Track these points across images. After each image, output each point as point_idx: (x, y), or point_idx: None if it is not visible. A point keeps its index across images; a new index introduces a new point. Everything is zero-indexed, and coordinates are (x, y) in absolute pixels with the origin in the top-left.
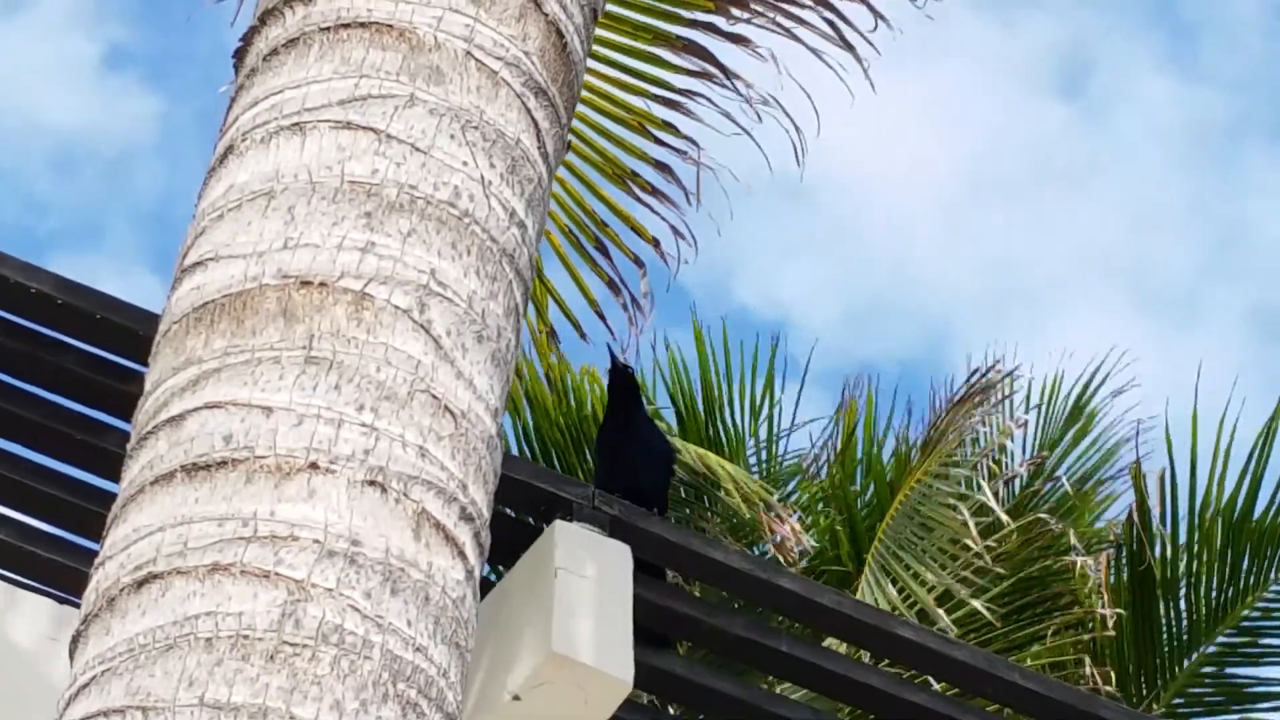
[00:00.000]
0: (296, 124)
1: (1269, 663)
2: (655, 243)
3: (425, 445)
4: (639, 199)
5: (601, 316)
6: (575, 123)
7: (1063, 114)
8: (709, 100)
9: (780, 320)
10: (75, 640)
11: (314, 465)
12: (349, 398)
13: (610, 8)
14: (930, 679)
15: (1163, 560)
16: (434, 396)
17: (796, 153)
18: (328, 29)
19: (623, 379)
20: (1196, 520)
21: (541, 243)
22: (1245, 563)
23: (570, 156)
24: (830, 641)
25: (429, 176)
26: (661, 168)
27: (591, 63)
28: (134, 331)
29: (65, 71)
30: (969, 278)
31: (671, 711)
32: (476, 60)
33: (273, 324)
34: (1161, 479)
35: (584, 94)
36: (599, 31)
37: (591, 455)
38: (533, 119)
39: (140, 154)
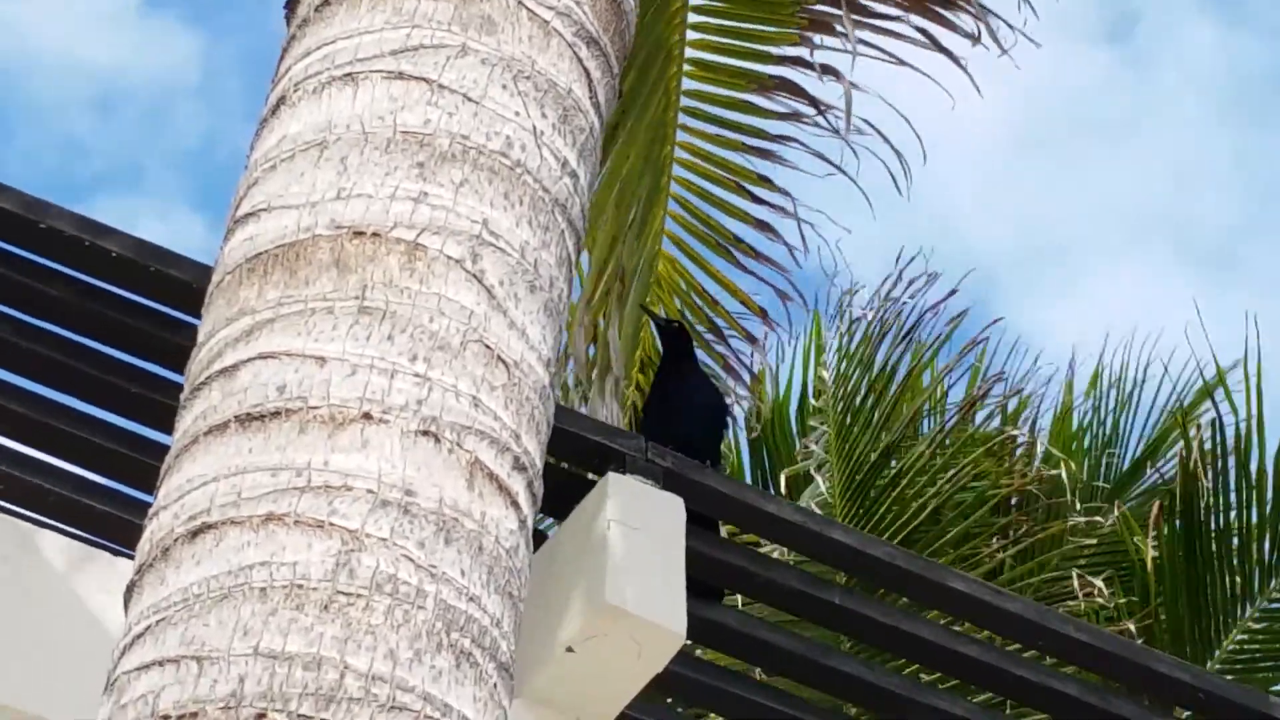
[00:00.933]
0: (349, 74)
1: None
2: (763, 313)
3: (478, 395)
4: (743, 267)
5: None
6: (676, 188)
7: (1106, 61)
8: (801, 143)
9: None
10: (130, 590)
11: (367, 415)
12: (402, 348)
13: (702, 55)
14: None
15: (1213, 515)
16: (487, 346)
17: (895, 180)
18: None
19: (674, 334)
20: (1253, 479)
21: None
22: None
23: (674, 228)
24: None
25: (481, 127)
26: (763, 227)
27: (690, 120)
28: (188, 284)
29: (105, 11)
30: (1009, 231)
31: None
32: (528, 10)
33: (326, 274)
34: (1215, 430)
35: (683, 155)
36: (693, 84)
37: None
38: (584, 69)
39: (180, 94)
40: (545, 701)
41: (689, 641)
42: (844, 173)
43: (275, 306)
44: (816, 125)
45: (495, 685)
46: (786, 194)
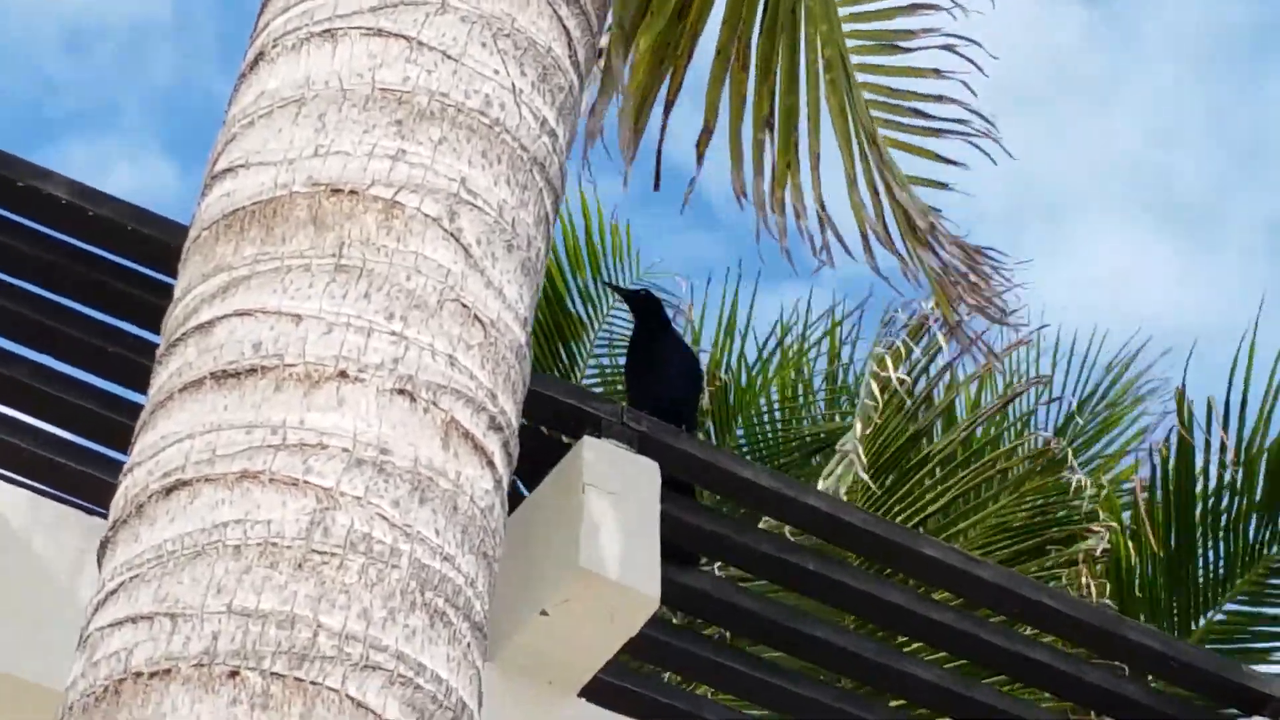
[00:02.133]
0: (328, 30)
1: None
2: (935, 71)
3: (454, 354)
4: (908, 49)
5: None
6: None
7: (1084, 19)
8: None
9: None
10: (103, 546)
11: (343, 373)
12: (378, 306)
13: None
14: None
15: (1199, 491)
16: (463, 305)
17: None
18: None
19: (644, 302)
20: (1242, 453)
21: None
22: None
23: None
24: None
25: (460, 84)
26: (926, 72)
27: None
28: (164, 243)
29: None
30: (988, 191)
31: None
32: None
33: (303, 231)
34: (1210, 407)
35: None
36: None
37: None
38: (564, 27)
39: (154, 32)
40: (519, 665)
41: (662, 606)
42: (977, 65)
43: (252, 263)
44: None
45: (469, 645)
46: (937, 31)
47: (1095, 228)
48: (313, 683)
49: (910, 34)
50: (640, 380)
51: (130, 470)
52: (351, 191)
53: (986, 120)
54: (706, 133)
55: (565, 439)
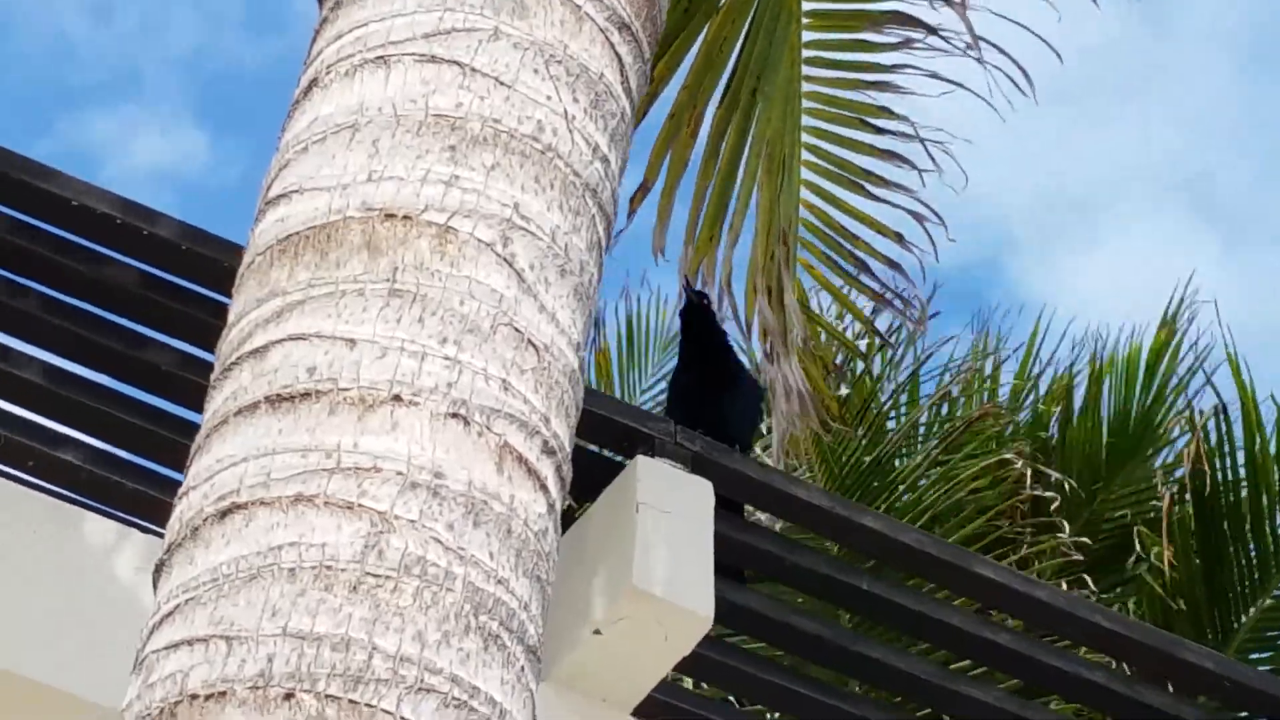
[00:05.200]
0: (381, 57)
1: None
2: (898, 237)
3: (508, 378)
4: (876, 197)
5: (876, 331)
6: (809, 138)
7: (1123, 14)
8: (915, 68)
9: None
10: (159, 569)
11: (397, 398)
12: (432, 330)
13: (818, 6)
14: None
15: (1227, 498)
16: (517, 330)
17: (1020, 88)
18: None
19: (698, 311)
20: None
21: (805, 276)
22: None
23: (810, 175)
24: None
25: (513, 110)
26: (889, 155)
27: (812, 70)
28: (218, 262)
29: None
30: (1027, 187)
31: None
32: None
33: (357, 256)
34: (1218, 413)
35: (810, 105)
36: (812, 35)
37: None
38: (616, 54)
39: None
40: (572, 684)
41: (715, 625)
42: (962, 86)
43: (306, 288)
44: (929, 47)
45: (523, 668)
46: (907, 119)
47: (1129, 224)
48: (367, 705)
49: (881, 112)
50: (699, 402)
51: (185, 494)
52: (405, 217)
53: (936, 215)
54: (643, 190)
55: (619, 458)
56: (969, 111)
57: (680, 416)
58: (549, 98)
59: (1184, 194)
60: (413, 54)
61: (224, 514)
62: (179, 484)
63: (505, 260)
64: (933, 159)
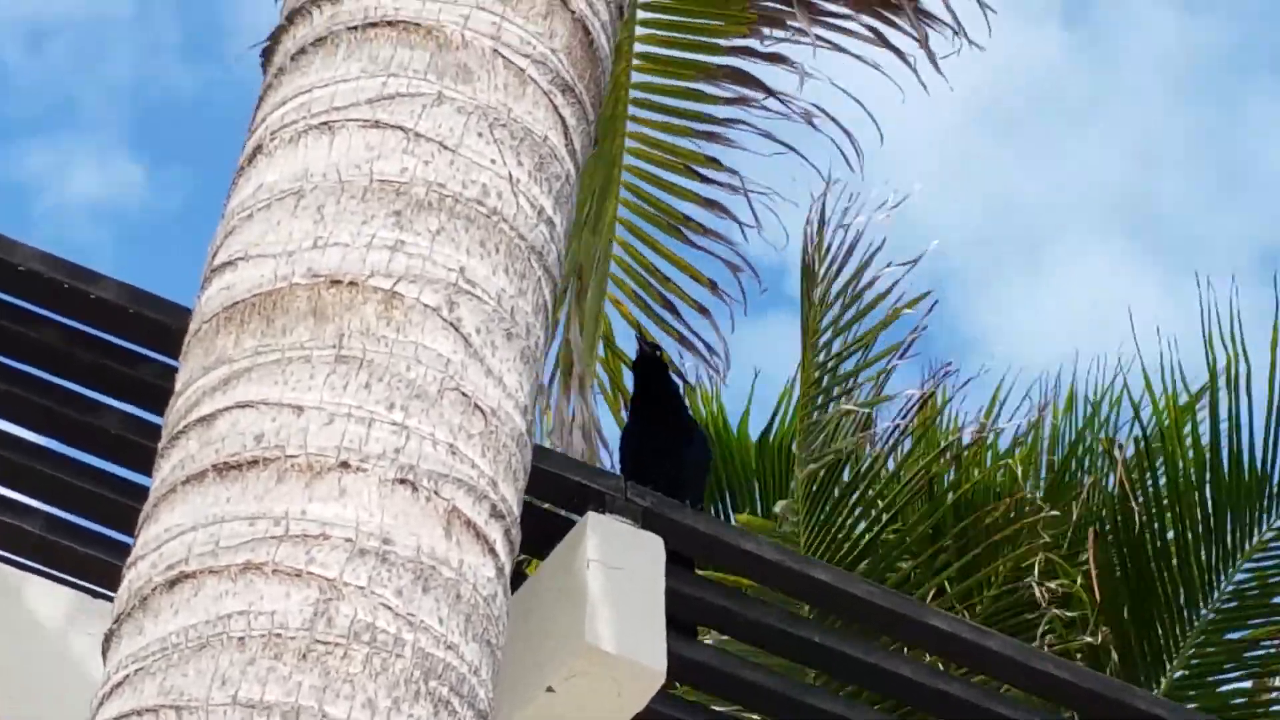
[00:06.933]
0: (325, 123)
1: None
2: (712, 285)
3: (455, 443)
4: (693, 243)
5: (681, 375)
6: (628, 176)
7: (1064, 41)
8: (749, 124)
9: (780, 255)
10: (108, 639)
11: (345, 464)
12: (379, 396)
13: (651, 49)
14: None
15: (1149, 531)
16: (464, 394)
17: (848, 159)
18: (355, 28)
19: (651, 363)
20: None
21: (611, 310)
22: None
23: (626, 213)
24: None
25: (457, 174)
26: (711, 204)
27: (637, 110)
28: (168, 325)
29: None
30: (967, 214)
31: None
32: (504, 58)
33: (303, 323)
34: (1140, 446)
35: (632, 144)
36: (642, 77)
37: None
38: (560, 116)
39: (113, 27)
40: None
41: (669, 681)
42: (793, 150)
43: (252, 355)
44: (765, 109)
45: None
46: (734, 173)
47: (1074, 252)
48: None
49: (708, 161)
50: (650, 459)
51: (134, 563)
52: (351, 283)
53: (752, 268)
54: None
55: (569, 515)
56: (911, 132)
57: (631, 470)
58: (493, 161)
59: (1128, 221)
60: (357, 119)
61: (173, 583)
62: (129, 548)
63: (451, 325)
64: (754, 214)
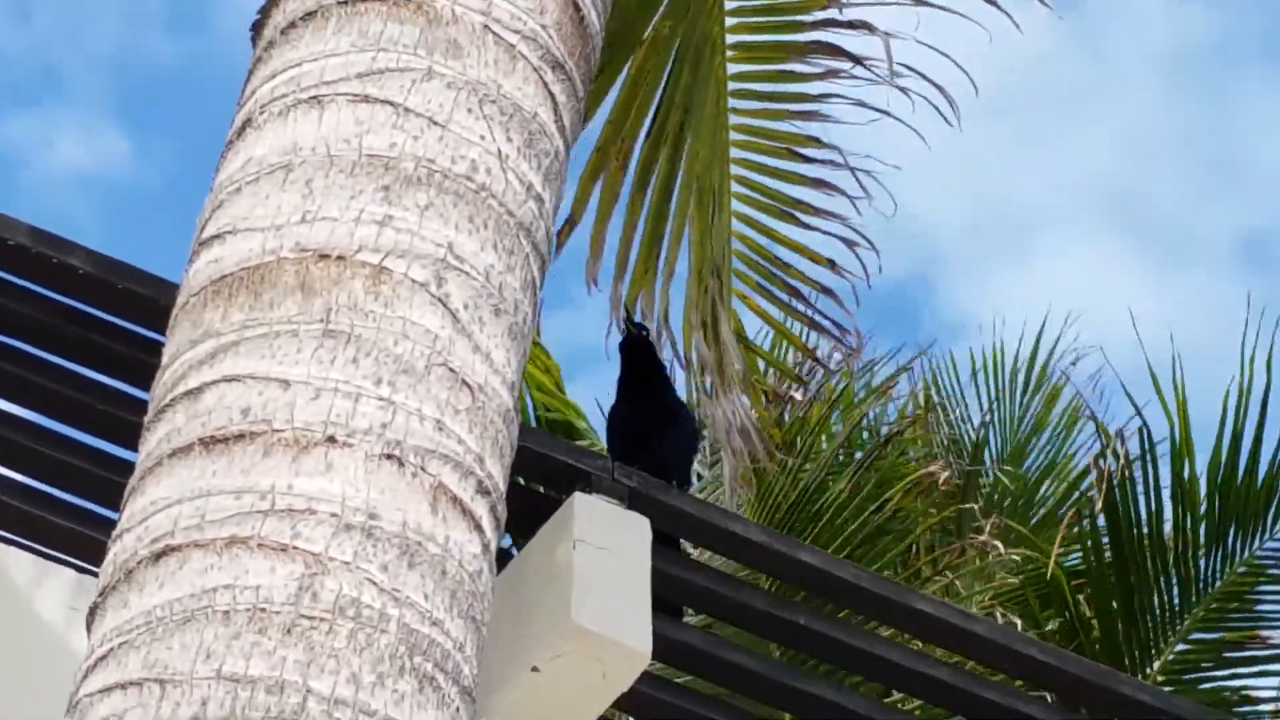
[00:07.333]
0: (314, 97)
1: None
2: (831, 264)
3: (442, 419)
4: (807, 225)
5: (815, 359)
6: (737, 169)
7: (1054, 31)
8: (842, 97)
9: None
10: (92, 613)
11: (331, 439)
12: (366, 371)
13: (742, 38)
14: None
15: (1145, 524)
16: (451, 370)
17: (944, 115)
18: (345, 2)
19: (638, 344)
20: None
21: (742, 308)
22: (1231, 526)
23: (740, 206)
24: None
25: (446, 150)
26: (819, 183)
27: (737, 102)
28: (154, 301)
29: None
30: (957, 203)
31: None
32: (494, 34)
33: (290, 297)
34: (1142, 437)
35: (737, 136)
36: (737, 68)
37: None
38: (550, 92)
39: None
40: None
41: (653, 662)
42: (888, 114)
43: (240, 329)
44: (854, 77)
45: (458, 709)
46: (835, 148)
47: (1062, 242)
48: None
49: (809, 141)
50: (635, 440)
51: (119, 536)
52: (339, 257)
53: (868, 240)
54: (570, 224)
55: (556, 495)
56: (900, 133)
57: (618, 451)
58: (483, 137)
59: (1117, 212)
60: (346, 94)
61: (158, 556)
62: (111, 522)
63: (439, 300)
64: (861, 185)
